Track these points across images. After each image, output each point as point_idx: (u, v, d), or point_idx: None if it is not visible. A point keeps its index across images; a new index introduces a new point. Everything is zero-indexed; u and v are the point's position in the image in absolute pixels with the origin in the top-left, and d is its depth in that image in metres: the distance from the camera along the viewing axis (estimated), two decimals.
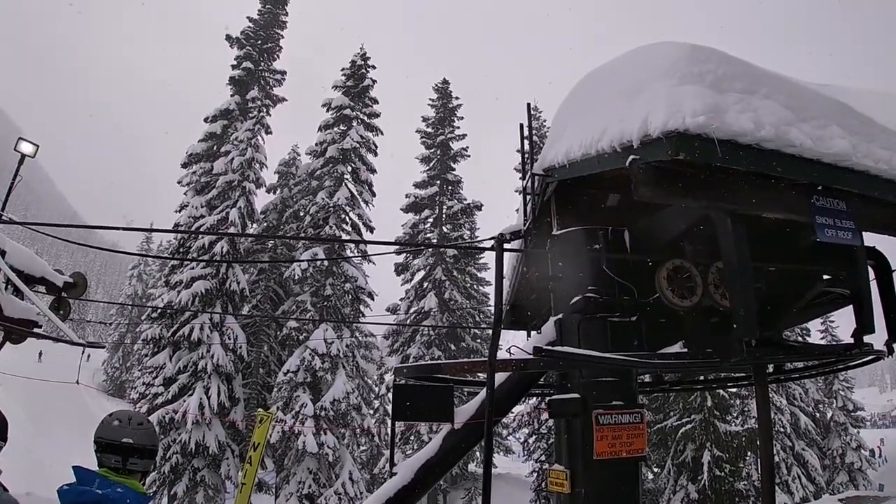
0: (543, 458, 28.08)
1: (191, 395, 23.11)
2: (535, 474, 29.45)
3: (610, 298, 5.95)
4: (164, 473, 23.07)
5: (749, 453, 22.85)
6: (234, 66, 29.16)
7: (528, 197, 7.07)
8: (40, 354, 50.27)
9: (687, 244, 6.13)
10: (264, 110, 28.74)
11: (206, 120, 28.39)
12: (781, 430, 25.78)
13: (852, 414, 30.55)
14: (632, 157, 4.60)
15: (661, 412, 24.04)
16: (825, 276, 6.78)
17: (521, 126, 7.82)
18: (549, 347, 5.45)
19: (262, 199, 28.85)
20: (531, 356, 5.62)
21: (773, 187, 4.83)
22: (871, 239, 5.84)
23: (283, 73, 30.37)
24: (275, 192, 30.42)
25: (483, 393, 6.28)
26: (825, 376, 27.74)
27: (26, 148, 10.76)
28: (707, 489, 21.55)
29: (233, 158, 26.07)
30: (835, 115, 4.91)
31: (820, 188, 4.93)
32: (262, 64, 29.70)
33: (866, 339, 6.12)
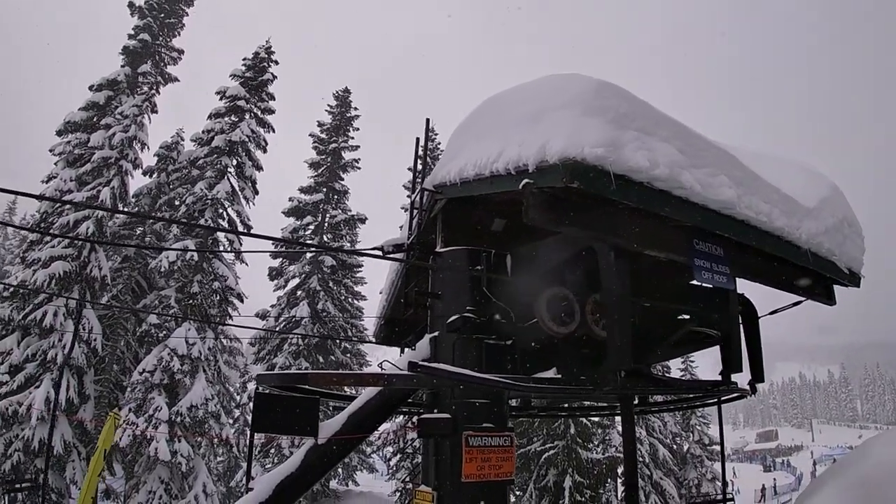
0: (408, 477, 27.87)
1: (38, 386, 21.09)
2: (398, 493, 29.19)
3: (487, 320, 5.92)
4: (4, 472, 20.80)
5: (609, 480, 23.75)
6: (130, 36, 27.62)
7: (416, 211, 6.96)
8: None
9: (568, 273, 6.18)
10: (155, 87, 27.28)
11: (90, 88, 26.53)
12: (641, 459, 26.83)
13: (708, 447, 31.95)
14: (526, 180, 4.58)
15: (525, 437, 24.51)
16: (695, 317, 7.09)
17: (417, 140, 7.74)
18: (425, 363, 5.29)
19: (137, 182, 27.34)
20: (404, 372, 5.46)
21: (658, 226, 4.96)
22: (741, 286, 6.13)
23: (181, 51, 29.04)
24: (151, 176, 28.55)
25: (350, 408, 6.05)
26: (683, 411, 29.34)
27: None
28: None
29: (114, 133, 24.45)
30: (724, 166, 5.11)
31: (701, 232, 5.11)
32: (161, 38, 28.31)
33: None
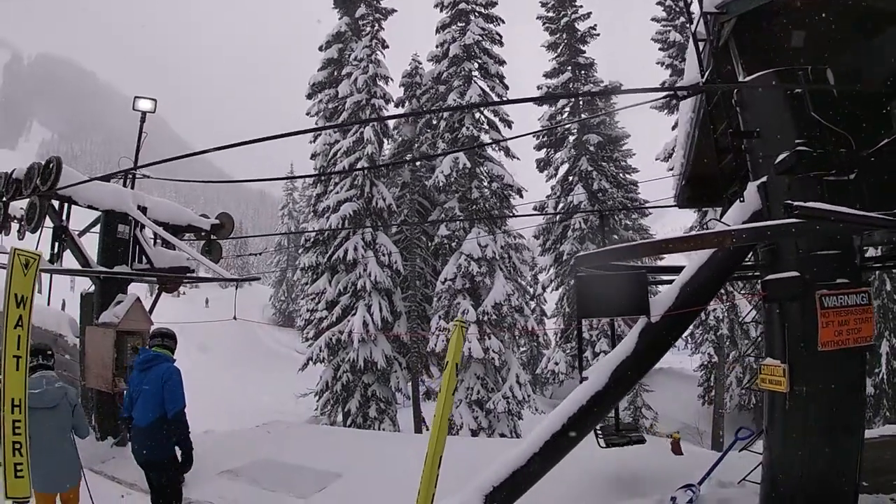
0: (712, 350, 26.70)
1: (354, 314, 23.91)
2: (703, 368, 28.27)
3: (824, 151, 4.79)
4: (337, 392, 24.64)
5: None
6: None
7: (702, 44, 5.86)
8: (206, 301, 56.39)
9: None
10: (376, 24, 28.08)
11: (320, 48, 28.48)
12: None
13: None
14: None
15: None
16: None
17: None
18: (804, 204, 4.24)
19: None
20: (752, 224, 4.68)
21: None
22: None
23: None
24: (403, 106, 29.72)
25: (681, 277, 5.42)
26: None
27: (144, 104, 11.16)
28: (884, 383, 19.55)
29: (356, 79, 25.71)
30: None
31: None
32: None
33: None
